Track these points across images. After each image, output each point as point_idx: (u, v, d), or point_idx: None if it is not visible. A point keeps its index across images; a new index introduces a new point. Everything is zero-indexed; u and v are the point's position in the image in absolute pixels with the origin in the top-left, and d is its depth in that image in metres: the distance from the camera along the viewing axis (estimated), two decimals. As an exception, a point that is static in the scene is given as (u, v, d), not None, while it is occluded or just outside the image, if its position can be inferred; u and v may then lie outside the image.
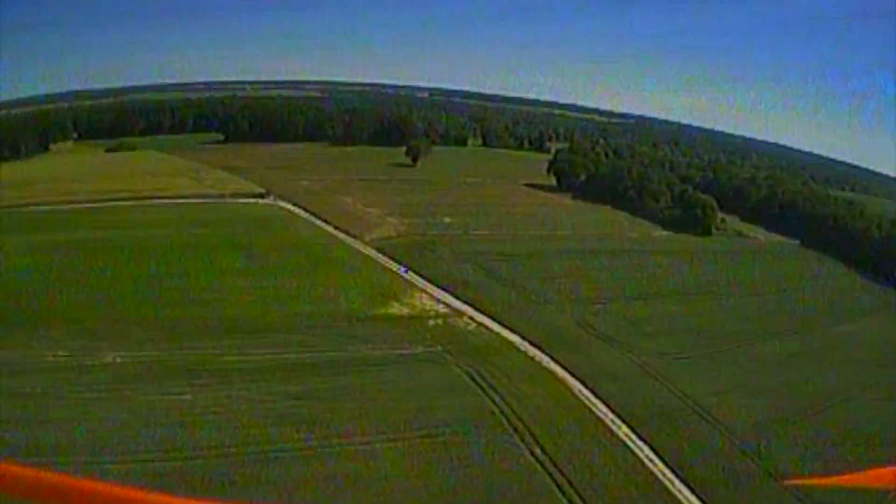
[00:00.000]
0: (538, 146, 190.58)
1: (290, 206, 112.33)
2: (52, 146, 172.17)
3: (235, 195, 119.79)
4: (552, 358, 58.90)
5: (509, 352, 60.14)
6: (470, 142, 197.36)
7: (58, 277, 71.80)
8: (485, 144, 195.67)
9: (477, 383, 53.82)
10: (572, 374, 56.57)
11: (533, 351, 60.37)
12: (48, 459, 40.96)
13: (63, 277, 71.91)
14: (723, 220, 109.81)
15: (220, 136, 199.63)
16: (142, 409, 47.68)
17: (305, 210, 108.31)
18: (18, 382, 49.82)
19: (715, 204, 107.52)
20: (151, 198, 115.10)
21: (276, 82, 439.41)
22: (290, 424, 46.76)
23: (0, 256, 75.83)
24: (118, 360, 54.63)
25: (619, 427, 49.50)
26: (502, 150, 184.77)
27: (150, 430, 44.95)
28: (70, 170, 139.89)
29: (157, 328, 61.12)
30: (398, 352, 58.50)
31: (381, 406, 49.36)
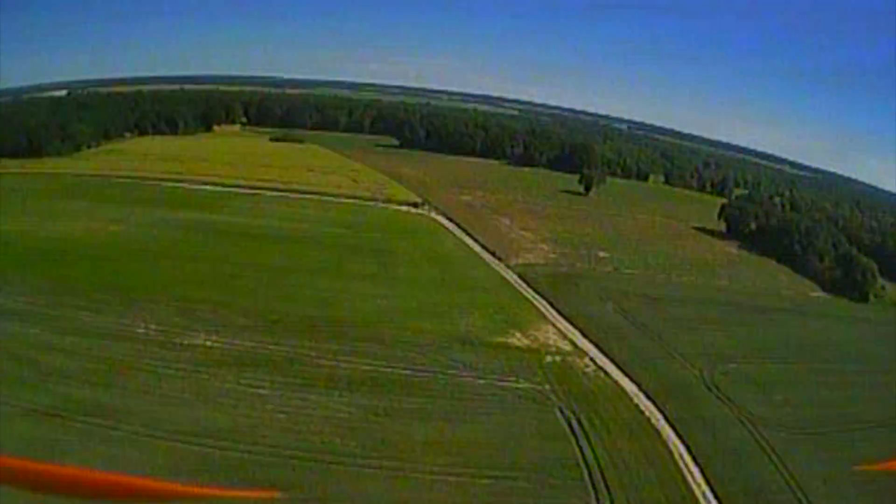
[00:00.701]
0: (720, 190, 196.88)
1: (442, 219, 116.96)
2: (216, 127, 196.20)
3: (389, 201, 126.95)
4: (664, 416, 55.21)
5: (620, 402, 57.23)
6: (651, 178, 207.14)
7: (177, 254, 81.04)
8: (667, 182, 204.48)
9: (572, 430, 51.51)
10: (679, 437, 52.66)
11: (646, 405, 56.87)
12: (103, 421, 46.23)
13: (182, 255, 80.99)
14: (882, 288, 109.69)
15: (395, 141, 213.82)
16: (212, 394, 51.89)
17: (457, 225, 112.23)
18: (102, 346, 56.73)
19: (876, 269, 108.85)
20: (302, 192, 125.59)
21: (472, 95, 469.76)
22: (358, 439, 47.93)
23: (128, 226, 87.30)
24: (209, 343, 60.18)
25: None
26: (682, 190, 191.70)
27: (210, 416, 48.75)
28: (227, 153, 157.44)
29: (261, 320, 66.31)
30: (502, 384, 57.88)
31: (461, 437, 48.97)
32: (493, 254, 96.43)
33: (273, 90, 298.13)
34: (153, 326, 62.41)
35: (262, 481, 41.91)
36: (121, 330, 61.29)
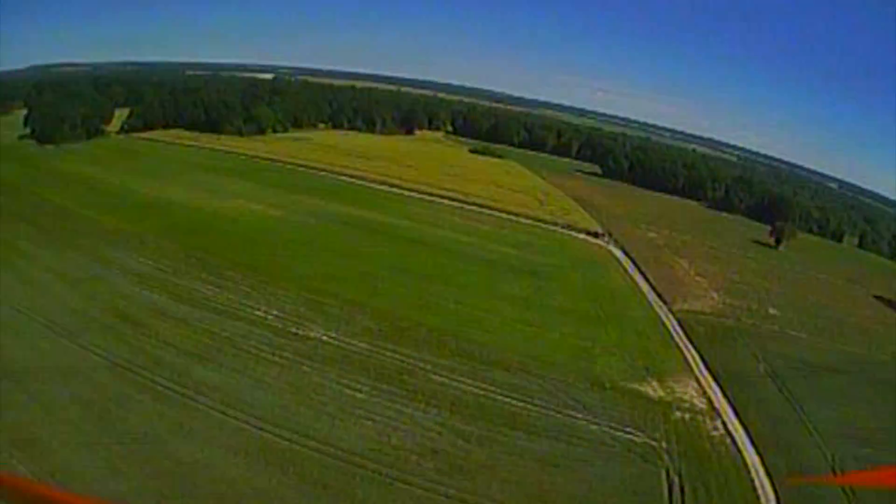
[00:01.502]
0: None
1: (618, 253, 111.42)
2: (417, 132, 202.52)
3: (568, 227, 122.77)
4: (777, 498, 46.26)
5: (737, 474, 48.88)
6: (846, 239, 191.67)
7: (326, 247, 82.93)
8: (860, 245, 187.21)
9: (671, 497, 44.64)
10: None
11: (761, 482, 48.09)
12: (183, 389, 47.34)
13: (331, 249, 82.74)
14: None
15: (598, 169, 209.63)
16: (305, 387, 51.77)
17: (632, 261, 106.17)
18: (214, 321, 58.74)
19: None
20: (481, 205, 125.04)
21: (693, 136, 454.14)
22: (436, 461, 45.08)
23: (288, 213, 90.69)
24: (324, 338, 60.59)
25: None
26: (875, 257, 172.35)
27: (293, 408, 48.52)
28: (418, 157, 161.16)
29: (388, 325, 65.76)
30: (615, 433, 51.72)
31: (545, 481, 44.24)
32: (659, 295, 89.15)
33: (485, 104, 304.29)
34: (274, 312, 64.17)
35: (307, 480, 40.61)
36: (239, 309, 63.64)
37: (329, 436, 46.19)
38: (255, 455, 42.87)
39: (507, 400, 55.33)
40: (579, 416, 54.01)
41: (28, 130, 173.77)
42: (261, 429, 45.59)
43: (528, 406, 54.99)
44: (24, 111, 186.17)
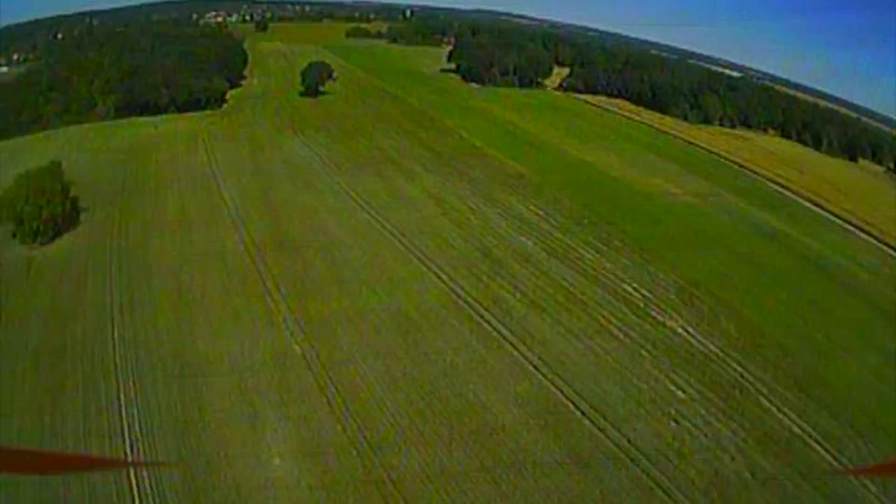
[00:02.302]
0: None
1: None
2: (860, 160, 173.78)
3: None
4: None
5: None
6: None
7: (723, 244, 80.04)
8: None
9: None
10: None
11: None
12: (508, 336, 51.69)
13: (728, 247, 79.20)
14: None
15: None
16: (631, 370, 52.40)
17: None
18: (577, 282, 64.32)
19: None
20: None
21: None
22: (711, 481, 42.33)
23: (706, 205, 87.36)
24: (678, 330, 59.10)
25: None
26: None
27: (606, 387, 50.03)
28: (855, 185, 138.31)
29: (746, 335, 58.94)
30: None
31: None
32: None
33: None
34: (643, 291, 64.75)
35: (573, 453, 42.31)
36: (607, 278, 66.18)
37: (624, 422, 46.38)
38: (536, 415, 45.72)
39: (822, 451, 48.02)
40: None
41: (453, 65, 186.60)
42: (560, 392, 48.19)
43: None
44: (449, 47, 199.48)
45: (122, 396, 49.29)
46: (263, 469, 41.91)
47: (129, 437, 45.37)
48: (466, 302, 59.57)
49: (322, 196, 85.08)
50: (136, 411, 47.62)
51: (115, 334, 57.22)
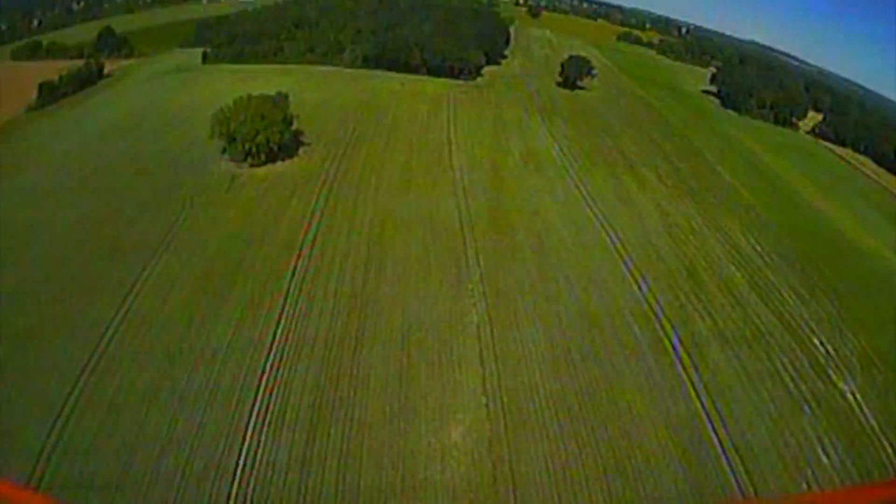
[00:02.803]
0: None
1: None
2: None
3: None
4: None
5: None
6: None
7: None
8: None
9: None
10: None
11: None
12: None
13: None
14: None
15: None
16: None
17: None
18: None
19: None
20: None
21: None
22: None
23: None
24: (849, 395, 51.87)
25: None
26: None
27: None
28: None
29: None
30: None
31: None
32: None
33: None
34: (828, 347, 57.96)
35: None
36: (796, 324, 60.26)
37: (759, 472, 42.24)
38: (679, 439, 42.70)
39: None
40: None
41: (714, 88, 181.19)
42: (710, 424, 44.98)
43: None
44: (714, 70, 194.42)
45: (281, 321, 52.13)
46: (397, 419, 42.75)
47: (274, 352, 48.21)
48: (656, 315, 56.99)
49: (550, 183, 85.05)
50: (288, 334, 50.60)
51: (297, 264, 60.45)
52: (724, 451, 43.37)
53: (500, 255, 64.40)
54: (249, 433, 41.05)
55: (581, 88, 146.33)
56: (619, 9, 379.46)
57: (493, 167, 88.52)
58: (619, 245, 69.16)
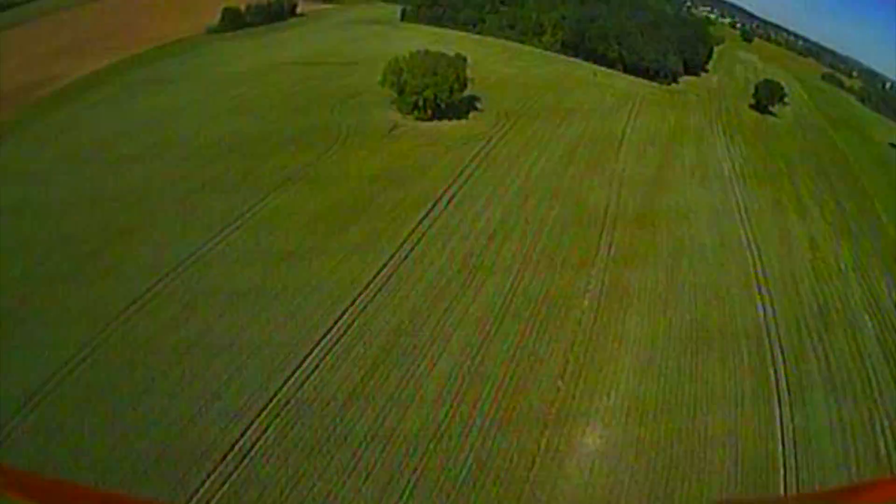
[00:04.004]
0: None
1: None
2: None
3: None
4: None
5: None
6: None
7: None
8: None
9: None
10: None
11: None
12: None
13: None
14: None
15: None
16: None
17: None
18: None
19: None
20: None
21: None
22: None
23: None
24: None
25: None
26: None
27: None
28: None
29: None
30: None
31: None
32: None
33: None
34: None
35: None
36: None
37: None
38: (745, 470, 39.59)
39: None
40: None
41: None
42: (782, 460, 41.23)
43: None
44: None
45: (386, 266, 53.22)
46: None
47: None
48: (770, 346, 52.97)
49: (711, 195, 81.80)
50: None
51: (427, 216, 61.53)
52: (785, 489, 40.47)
53: (633, 251, 62.37)
54: (309, 360, 42.25)
55: (772, 114, 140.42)
56: (831, 52, 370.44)
57: (659, 168, 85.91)
58: (758, 269, 65.21)
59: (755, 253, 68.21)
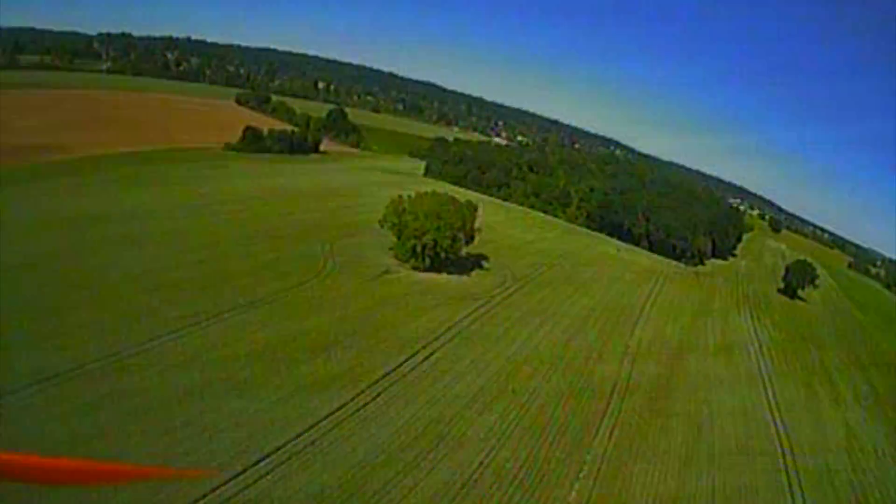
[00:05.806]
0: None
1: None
2: None
3: None
4: None
5: None
6: None
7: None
8: None
9: None
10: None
11: None
12: None
13: None
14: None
15: None
16: None
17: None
18: None
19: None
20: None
21: None
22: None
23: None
24: None
25: None
26: None
27: None
28: None
29: None
30: None
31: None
32: None
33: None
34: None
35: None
36: None
37: None
38: None
39: None
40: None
41: None
42: None
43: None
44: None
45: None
46: None
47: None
48: None
49: (735, 378, 76.84)
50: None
51: (383, 380, 53.81)
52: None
53: (641, 433, 56.30)
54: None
55: (801, 299, 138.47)
56: (855, 245, 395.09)
57: (679, 347, 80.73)
58: (788, 457, 59.86)
59: (785, 441, 62.98)
